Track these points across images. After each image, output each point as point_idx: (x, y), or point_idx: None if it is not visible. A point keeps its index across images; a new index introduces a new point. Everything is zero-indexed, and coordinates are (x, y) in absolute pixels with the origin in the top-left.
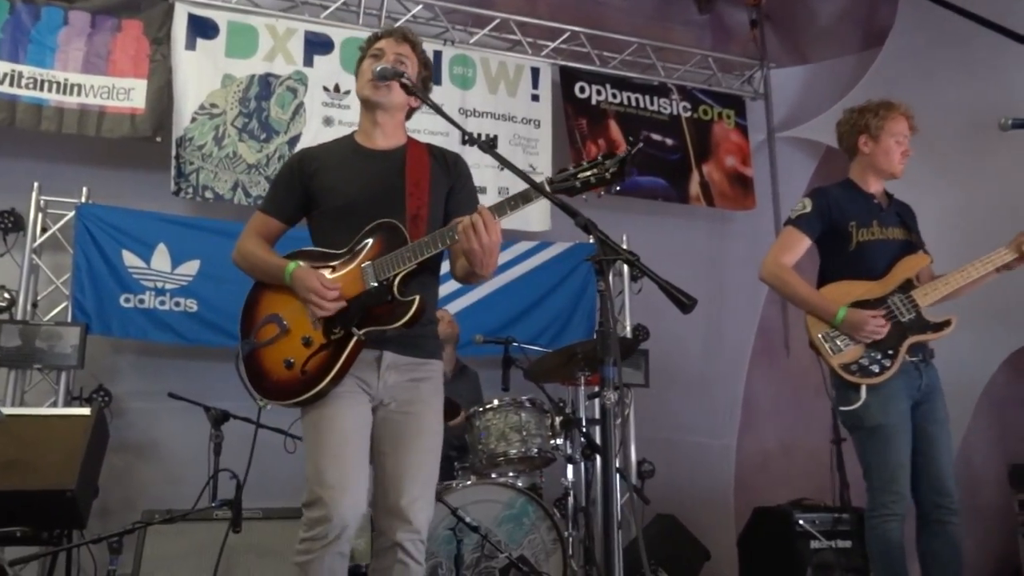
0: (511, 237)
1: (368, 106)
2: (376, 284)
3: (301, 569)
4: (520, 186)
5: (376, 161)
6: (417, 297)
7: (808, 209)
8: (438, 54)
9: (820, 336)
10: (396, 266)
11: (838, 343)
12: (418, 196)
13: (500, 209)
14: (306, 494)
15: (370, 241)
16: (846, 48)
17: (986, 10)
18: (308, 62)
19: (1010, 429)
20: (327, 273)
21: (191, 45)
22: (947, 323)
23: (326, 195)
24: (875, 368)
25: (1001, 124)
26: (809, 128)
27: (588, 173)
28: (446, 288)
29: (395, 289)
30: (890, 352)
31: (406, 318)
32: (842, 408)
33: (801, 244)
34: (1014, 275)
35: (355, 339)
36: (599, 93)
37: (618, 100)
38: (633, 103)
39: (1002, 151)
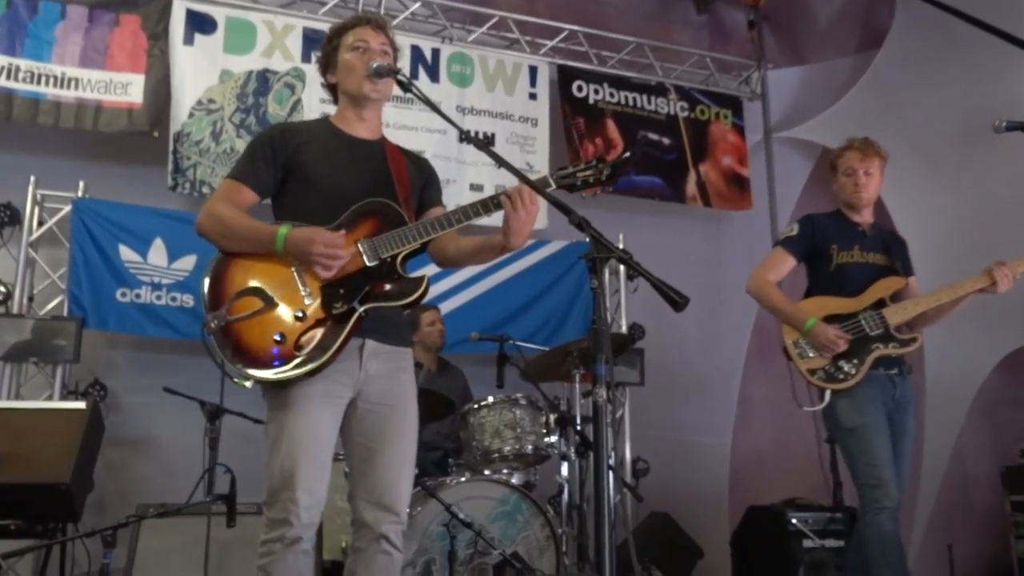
0: None
1: (358, 100)
2: (378, 262)
3: (264, 572)
4: (513, 181)
5: (359, 148)
6: (426, 275)
7: (795, 232)
8: (436, 52)
9: (791, 343)
10: (400, 244)
11: (806, 350)
12: (403, 184)
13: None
14: (267, 494)
15: (360, 219)
16: (843, 49)
17: (983, 13)
18: (306, 58)
19: (1003, 431)
20: None
21: (189, 40)
22: (914, 339)
23: (308, 171)
24: (839, 375)
25: (995, 126)
26: (806, 129)
27: (587, 173)
28: (442, 286)
29: (399, 268)
30: (855, 361)
31: (415, 295)
32: (806, 409)
33: (785, 263)
34: None
35: (357, 315)
36: (597, 92)
37: (616, 99)
38: (631, 102)
39: (996, 153)
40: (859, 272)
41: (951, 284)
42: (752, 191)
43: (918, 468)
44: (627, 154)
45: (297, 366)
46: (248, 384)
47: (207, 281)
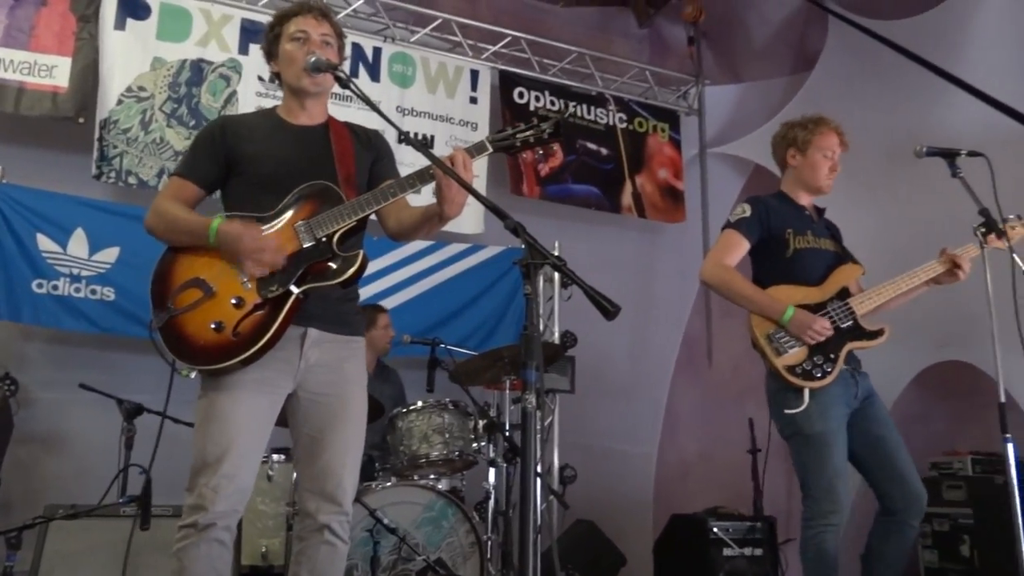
0: (443, 239)
1: (298, 93)
2: (314, 242)
3: (177, 557)
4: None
5: (300, 135)
6: (361, 252)
7: (748, 213)
8: (378, 50)
9: (765, 337)
10: (335, 223)
11: (783, 345)
12: (346, 164)
13: (474, 150)
14: (189, 478)
15: (300, 203)
16: (778, 70)
17: (909, 42)
18: (243, 50)
19: (916, 445)
20: None
21: (120, 25)
22: (881, 331)
23: (251, 162)
24: (817, 373)
25: (916, 151)
26: (740, 145)
27: (527, 133)
28: (375, 287)
29: (335, 246)
30: (831, 357)
31: (351, 271)
32: (786, 412)
33: (741, 246)
34: (923, 297)
35: (294, 298)
36: (537, 99)
37: (556, 107)
38: (570, 111)
39: (918, 177)
40: (816, 259)
41: (908, 273)
42: (686, 204)
43: None
44: (568, 112)
45: (232, 354)
46: (193, 375)
47: (152, 278)
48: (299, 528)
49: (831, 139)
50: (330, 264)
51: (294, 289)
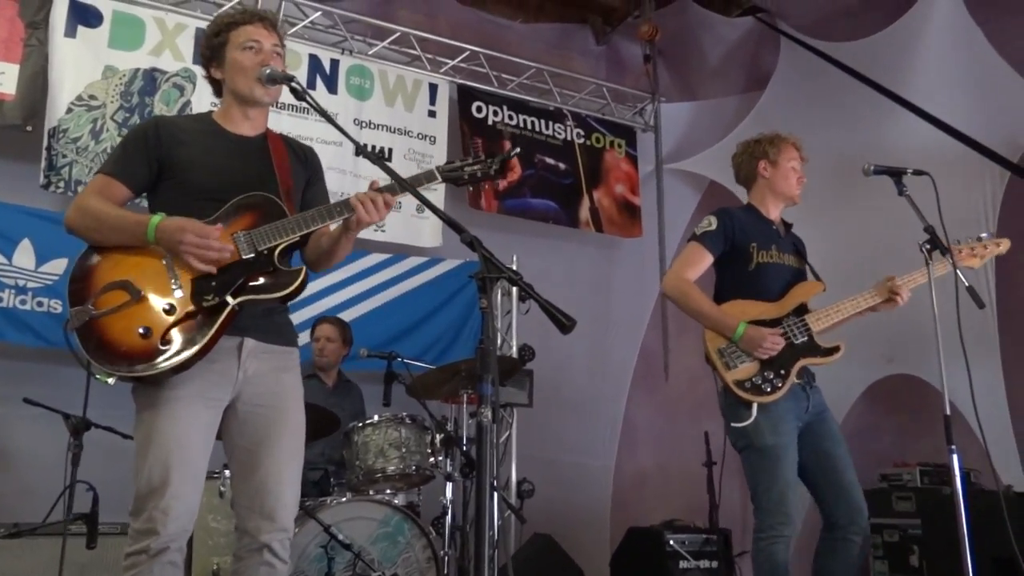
0: (401, 251)
1: (246, 102)
2: (254, 255)
3: None
4: (411, 200)
5: (239, 145)
6: (304, 268)
7: (713, 227)
8: (335, 63)
9: (716, 351)
10: (279, 236)
11: (734, 359)
12: (285, 178)
13: (391, 189)
14: (133, 502)
15: (239, 212)
16: (732, 88)
17: (858, 63)
18: (198, 60)
19: (866, 457)
20: None
21: (71, 32)
22: (836, 348)
23: (187, 169)
24: (767, 387)
25: (864, 169)
26: (694, 162)
27: (475, 167)
28: (333, 300)
29: (276, 260)
30: (782, 372)
31: (292, 287)
32: (733, 425)
33: (704, 260)
34: (873, 312)
35: (229, 309)
36: (496, 114)
37: (514, 122)
38: (528, 126)
39: (868, 194)
40: (777, 274)
41: (863, 292)
42: (642, 219)
43: None
44: (516, 150)
45: (162, 362)
46: (111, 380)
47: (71, 276)
48: (237, 547)
49: (794, 152)
50: (271, 278)
51: (230, 300)
